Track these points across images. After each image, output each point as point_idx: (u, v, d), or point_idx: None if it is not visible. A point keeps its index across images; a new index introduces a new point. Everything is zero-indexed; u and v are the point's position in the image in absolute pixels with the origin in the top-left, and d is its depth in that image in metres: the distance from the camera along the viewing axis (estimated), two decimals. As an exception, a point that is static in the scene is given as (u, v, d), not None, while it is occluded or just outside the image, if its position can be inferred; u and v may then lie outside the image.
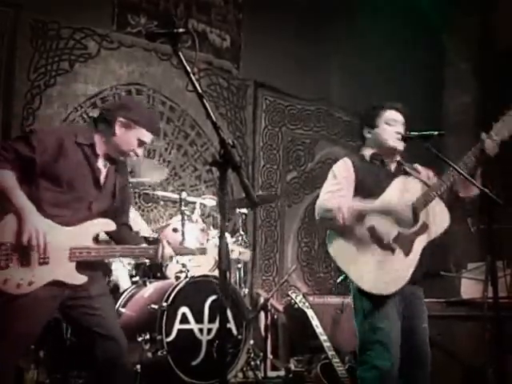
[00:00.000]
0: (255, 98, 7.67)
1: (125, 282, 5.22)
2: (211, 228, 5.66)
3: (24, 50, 5.91)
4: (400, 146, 3.96)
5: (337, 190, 3.86)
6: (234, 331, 4.93)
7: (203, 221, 5.77)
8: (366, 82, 7.97)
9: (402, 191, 3.87)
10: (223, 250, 2.52)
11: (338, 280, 4.02)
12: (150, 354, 4.58)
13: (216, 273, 5.14)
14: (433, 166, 4.05)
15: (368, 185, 3.88)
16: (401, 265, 3.79)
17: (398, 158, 4.05)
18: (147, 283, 5.11)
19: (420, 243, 3.83)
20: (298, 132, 8.06)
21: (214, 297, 4.84)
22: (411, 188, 3.88)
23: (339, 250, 3.83)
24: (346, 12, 7.94)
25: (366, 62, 8.05)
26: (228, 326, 4.83)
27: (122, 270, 5.26)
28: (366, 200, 3.80)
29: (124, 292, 5.07)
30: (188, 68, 2.58)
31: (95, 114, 6.24)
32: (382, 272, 3.75)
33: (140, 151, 3.73)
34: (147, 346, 4.59)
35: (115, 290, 5.12)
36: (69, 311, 3.59)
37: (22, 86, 5.88)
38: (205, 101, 2.56)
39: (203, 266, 5.32)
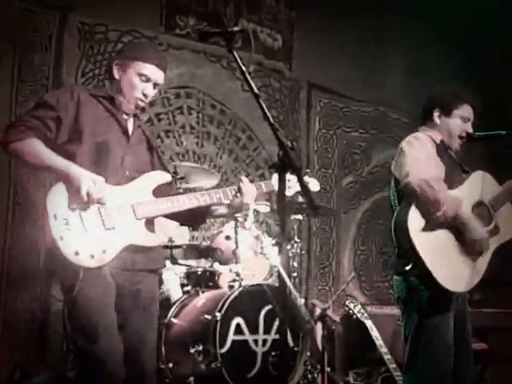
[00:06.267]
0: (309, 100, 7.49)
1: (176, 292, 5.12)
2: (265, 235, 5.52)
3: (71, 54, 5.84)
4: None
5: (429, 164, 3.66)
6: (291, 343, 4.76)
7: (257, 228, 5.64)
8: (425, 83, 7.75)
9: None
10: (285, 256, 2.40)
11: (407, 268, 3.63)
12: (203, 366, 4.47)
13: (271, 281, 5.02)
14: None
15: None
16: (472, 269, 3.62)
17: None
18: (199, 292, 5.01)
19: (491, 246, 3.67)
20: (353, 135, 7.86)
21: (269, 307, 4.68)
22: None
23: (423, 234, 3.53)
24: (406, 11, 7.75)
25: (426, 62, 7.86)
26: (284, 337, 4.68)
27: (173, 279, 5.16)
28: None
29: (176, 302, 4.98)
30: (243, 68, 2.52)
31: (144, 118, 6.17)
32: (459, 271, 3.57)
33: (150, 90, 3.35)
34: (200, 358, 4.48)
35: (166, 300, 5.03)
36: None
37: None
38: (261, 101, 2.48)
39: (257, 274, 5.23)
